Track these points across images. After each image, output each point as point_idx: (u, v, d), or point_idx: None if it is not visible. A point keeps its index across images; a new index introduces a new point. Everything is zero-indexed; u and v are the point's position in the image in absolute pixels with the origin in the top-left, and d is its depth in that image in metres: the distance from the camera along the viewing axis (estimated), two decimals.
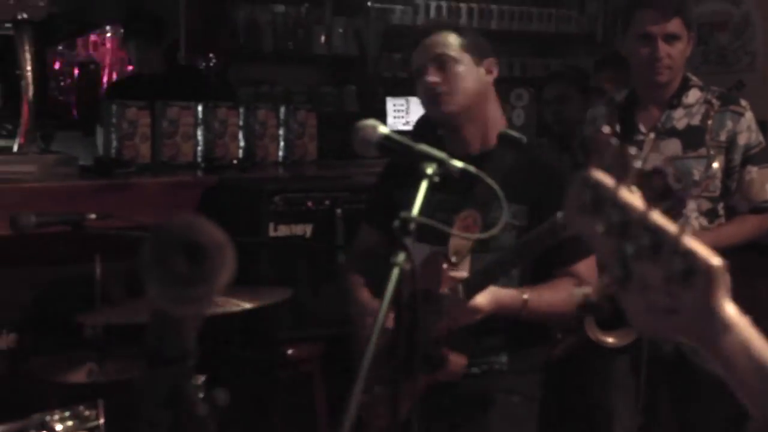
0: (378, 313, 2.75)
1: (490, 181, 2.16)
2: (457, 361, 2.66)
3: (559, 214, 2.41)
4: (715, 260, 1.09)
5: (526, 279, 2.73)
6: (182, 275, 0.96)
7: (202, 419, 1.05)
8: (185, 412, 1.05)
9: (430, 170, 2.05)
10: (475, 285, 2.60)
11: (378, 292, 2.91)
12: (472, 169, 2.10)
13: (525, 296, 2.64)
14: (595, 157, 1.17)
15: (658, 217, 1.08)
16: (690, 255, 1.08)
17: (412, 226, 1.87)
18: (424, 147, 2.11)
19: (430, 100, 2.83)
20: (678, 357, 3.32)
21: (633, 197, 1.09)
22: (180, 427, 1.06)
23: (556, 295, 2.70)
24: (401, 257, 1.81)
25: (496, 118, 2.88)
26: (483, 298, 2.59)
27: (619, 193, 1.10)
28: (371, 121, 2.26)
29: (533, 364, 2.89)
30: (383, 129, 2.23)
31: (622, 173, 1.15)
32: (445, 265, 2.65)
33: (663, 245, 1.09)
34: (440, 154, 2.08)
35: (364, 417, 2.69)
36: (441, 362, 2.64)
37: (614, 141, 1.20)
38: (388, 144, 2.21)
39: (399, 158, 2.25)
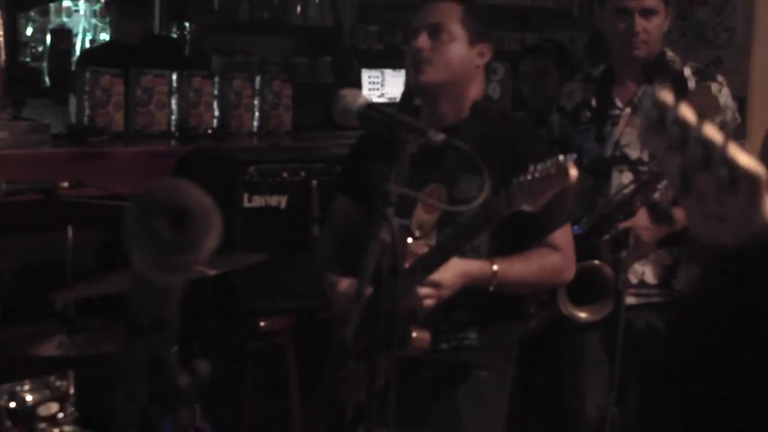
0: (356, 291, 2.75)
1: (474, 154, 2.16)
2: (421, 337, 2.64)
3: (510, 187, 2.41)
4: (758, 169, 1.14)
5: (498, 250, 2.71)
6: (167, 241, 0.94)
7: (182, 389, 1.03)
8: (165, 382, 1.03)
9: (410, 141, 2.05)
10: (430, 261, 2.59)
11: (353, 265, 2.91)
12: (455, 141, 2.10)
13: (495, 267, 2.63)
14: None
15: (709, 129, 1.13)
16: (734, 164, 1.13)
17: (394, 197, 1.86)
18: (405, 117, 2.10)
19: (413, 64, 2.79)
20: (650, 333, 3.34)
21: (689, 114, 1.16)
22: (160, 397, 1.04)
23: (528, 266, 2.70)
24: (383, 229, 1.80)
25: (476, 99, 2.84)
26: (445, 273, 2.57)
27: (678, 110, 1.16)
28: (353, 90, 2.25)
29: (504, 339, 2.88)
30: (365, 98, 2.21)
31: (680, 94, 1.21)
32: (409, 240, 2.63)
33: (713, 156, 1.14)
34: (421, 125, 2.07)
35: (340, 392, 2.68)
36: (404, 339, 2.61)
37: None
38: (370, 114, 2.20)
39: (377, 129, 2.23)
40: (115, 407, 1.09)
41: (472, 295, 2.67)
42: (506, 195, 2.42)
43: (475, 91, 2.83)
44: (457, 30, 2.76)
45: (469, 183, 2.65)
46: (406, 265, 2.52)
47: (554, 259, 2.72)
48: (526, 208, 2.40)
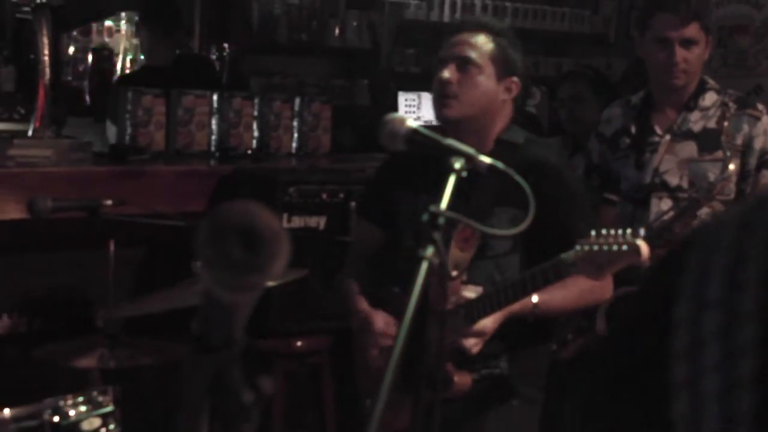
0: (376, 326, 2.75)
1: (518, 178, 2.17)
2: (462, 381, 2.65)
3: (577, 252, 2.37)
4: None
5: (530, 264, 2.67)
6: (237, 261, 0.95)
7: (246, 407, 1.05)
8: (229, 399, 1.05)
9: (458, 165, 2.06)
10: (477, 308, 2.58)
11: (374, 292, 2.92)
12: (500, 165, 2.11)
13: (534, 299, 2.61)
14: None
15: None
16: None
17: (441, 220, 1.88)
18: (451, 141, 2.12)
19: (439, 97, 2.76)
20: None
21: None
22: (224, 414, 1.05)
23: (567, 293, 2.67)
24: (430, 250, 1.81)
25: (500, 133, 2.80)
26: (489, 320, 2.58)
27: None
28: (399, 115, 2.27)
29: (534, 367, 2.87)
30: (411, 122, 2.23)
31: None
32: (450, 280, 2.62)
33: None
34: (469, 149, 2.09)
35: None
36: (446, 382, 2.60)
37: None
38: (416, 138, 2.21)
39: (425, 152, 2.25)
40: (176, 426, 1.09)
41: (504, 325, 2.65)
42: (569, 257, 2.39)
43: (500, 125, 2.79)
44: (484, 63, 2.72)
45: (501, 217, 2.65)
46: (450, 307, 2.51)
47: (592, 281, 2.68)
48: (587, 276, 2.40)
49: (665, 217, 3.22)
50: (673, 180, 3.31)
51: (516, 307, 2.60)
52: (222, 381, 1.05)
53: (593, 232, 2.34)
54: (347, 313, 2.99)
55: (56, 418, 2.66)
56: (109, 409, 2.79)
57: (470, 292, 2.62)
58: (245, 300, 1.01)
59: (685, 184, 3.28)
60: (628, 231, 2.33)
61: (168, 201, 3.64)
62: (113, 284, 3.19)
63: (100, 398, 2.78)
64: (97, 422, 2.73)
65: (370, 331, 2.84)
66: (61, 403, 2.70)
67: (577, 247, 2.37)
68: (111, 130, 4.10)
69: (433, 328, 1.83)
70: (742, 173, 3.31)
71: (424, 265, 1.79)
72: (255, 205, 0.99)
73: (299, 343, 3.85)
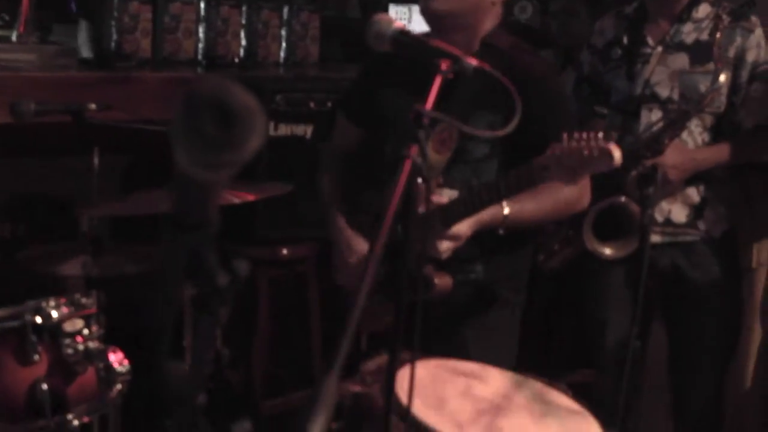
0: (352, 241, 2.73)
1: (506, 81, 2.13)
2: (443, 282, 2.64)
3: (549, 157, 2.34)
4: None
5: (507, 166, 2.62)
6: (211, 138, 0.93)
7: (221, 289, 1.03)
8: (204, 280, 1.03)
9: (444, 66, 2.02)
10: (452, 213, 2.57)
11: (350, 195, 2.90)
12: (486, 67, 2.07)
13: (506, 211, 2.59)
14: None
15: None
16: None
17: (426, 119, 1.84)
18: (439, 42, 2.08)
19: None
20: (674, 271, 3.33)
21: None
22: (200, 296, 1.04)
23: (540, 204, 2.65)
24: (414, 150, 1.77)
25: (487, 36, 2.75)
26: (462, 224, 2.56)
27: None
28: (386, 16, 2.22)
29: (512, 271, 2.87)
30: (398, 23, 2.19)
31: None
32: (420, 181, 2.60)
33: None
34: (455, 51, 2.05)
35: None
36: (427, 284, 2.61)
37: None
38: (403, 39, 2.17)
39: (410, 54, 2.21)
40: (151, 309, 1.08)
41: (478, 232, 2.64)
42: (541, 162, 2.37)
43: (488, 26, 2.74)
44: None
45: (479, 121, 2.62)
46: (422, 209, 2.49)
47: (567, 192, 2.65)
48: (561, 181, 2.38)
49: (654, 129, 3.20)
50: (663, 91, 3.27)
51: (487, 218, 2.59)
52: (197, 262, 1.03)
53: (565, 135, 2.31)
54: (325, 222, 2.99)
55: (38, 319, 2.65)
56: (93, 311, 2.79)
57: (445, 197, 2.60)
58: (220, 179, 0.99)
59: (675, 96, 3.25)
60: (600, 134, 2.30)
61: (154, 108, 3.60)
62: (98, 191, 3.17)
63: (84, 300, 2.78)
64: (79, 323, 2.73)
65: (343, 243, 2.85)
66: (44, 304, 2.70)
67: (548, 152, 2.35)
68: (82, 33, 4.00)
69: (413, 230, 1.81)
70: (734, 86, 3.28)
71: (407, 164, 1.76)
72: (229, 81, 0.97)
73: (285, 251, 3.85)
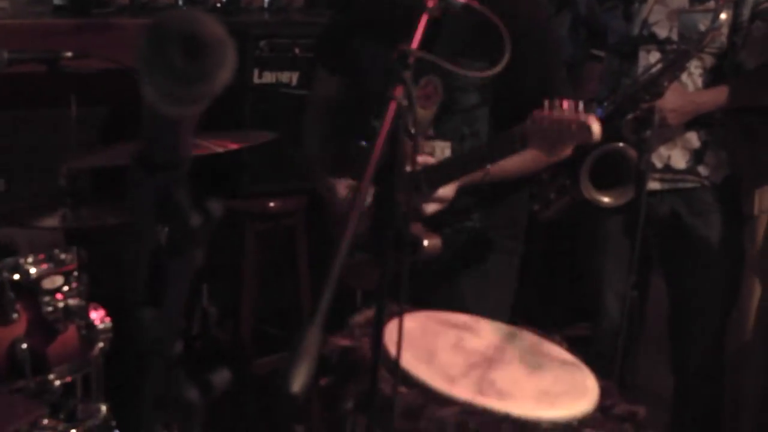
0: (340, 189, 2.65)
1: (495, 19, 2.02)
2: (432, 243, 2.58)
3: (526, 126, 2.28)
4: None
5: (499, 129, 2.58)
6: (179, 69, 0.87)
7: (194, 230, 0.97)
8: (176, 221, 0.97)
9: (431, 3, 1.92)
10: (437, 175, 2.52)
11: (336, 144, 2.81)
12: (475, 5, 1.96)
13: (487, 166, 2.52)
14: None
15: None
16: None
17: (411, 59, 1.73)
18: None
19: None
20: (674, 218, 3.24)
21: None
22: (170, 239, 0.98)
23: (522, 157, 2.54)
24: (399, 92, 1.67)
25: None
26: (448, 188, 2.52)
27: None
28: None
29: (508, 218, 2.81)
30: None
31: None
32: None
33: None
34: None
35: (348, 278, 2.61)
36: (415, 245, 2.54)
37: None
38: None
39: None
40: (123, 250, 1.01)
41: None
42: (521, 133, 2.31)
43: None
44: None
45: (469, 68, 2.52)
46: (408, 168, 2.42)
47: None
48: (540, 151, 2.32)
49: (653, 70, 3.08)
50: (662, 32, 3.16)
51: (468, 177, 2.55)
52: (168, 202, 0.97)
53: (546, 103, 2.23)
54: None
55: (16, 276, 2.59)
56: (72, 267, 2.71)
57: (437, 151, 2.56)
58: (190, 114, 0.93)
59: (674, 36, 3.13)
60: (581, 106, 2.22)
61: (133, 55, 3.48)
62: (76, 142, 3.08)
63: (63, 256, 2.70)
64: (59, 280, 2.66)
65: (336, 198, 2.76)
66: (21, 260, 2.63)
67: (529, 121, 2.28)
68: None
69: (400, 186, 1.72)
70: (735, 25, 3.16)
71: (393, 107, 1.65)
72: (198, 11, 0.91)
73: (272, 204, 3.75)
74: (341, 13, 2.87)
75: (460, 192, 2.57)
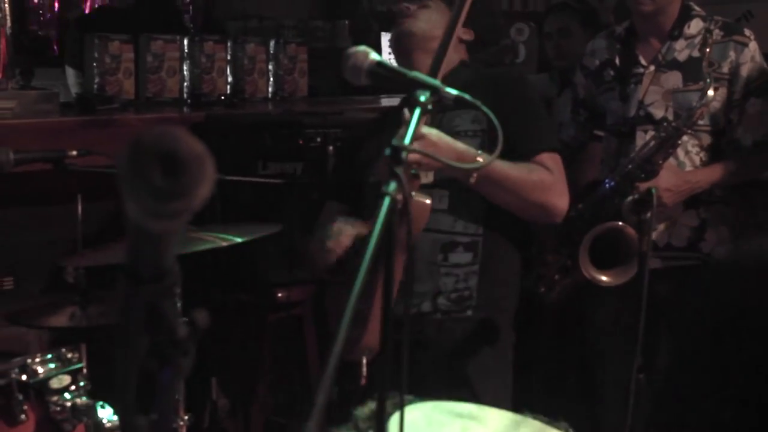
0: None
1: (486, 109, 2.04)
2: (419, 201, 2.45)
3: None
4: None
5: None
6: (158, 188, 0.91)
7: (181, 341, 0.99)
8: (163, 332, 0.99)
9: (423, 98, 1.94)
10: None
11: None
12: (467, 97, 1.99)
13: (479, 158, 2.48)
14: None
15: None
16: None
17: (404, 155, 1.75)
18: (417, 74, 1.99)
19: (396, 18, 2.80)
20: (676, 297, 3.24)
21: None
22: (159, 349, 1.00)
23: (516, 168, 2.60)
24: (392, 186, 1.68)
25: (451, 60, 2.73)
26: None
27: None
28: (362, 47, 2.13)
29: (504, 305, 2.83)
30: (375, 56, 2.10)
31: None
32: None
33: None
34: (434, 81, 1.96)
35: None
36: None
37: None
38: (380, 71, 2.08)
39: (387, 85, 2.15)
40: (114, 359, 1.04)
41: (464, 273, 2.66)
42: None
43: (454, 59, 2.77)
44: (439, 5, 2.79)
45: (466, 116, 2.64)
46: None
47: (543, 174, 2.64)
48: None
49: (645, 149, 3.09)
50: (658, 112, 3.19)
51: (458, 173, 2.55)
52: (156, 314, 0.99)
53: None
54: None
55: (24, 377, 2.59)
56: (79, 365, 2.72)
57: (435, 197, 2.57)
58: (172, 229, 0.96)
59: (670, 116, 3.15)
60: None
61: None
62: (83, 238, 3.10)
63: (70, 355, 2.71)
64: (66, 379, 2.66)
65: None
66: (29, 360, 2.64)
67: None
68: (71, 77, 3.95)
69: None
70: (730, 102, 3.19)
71: (386, 202, 1.66)
72: (176, 128, 0.94)
73: (280, 295, 3.75)
74: (345, 148, 3.02)
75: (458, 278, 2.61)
